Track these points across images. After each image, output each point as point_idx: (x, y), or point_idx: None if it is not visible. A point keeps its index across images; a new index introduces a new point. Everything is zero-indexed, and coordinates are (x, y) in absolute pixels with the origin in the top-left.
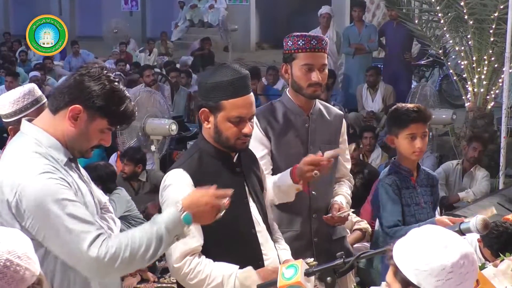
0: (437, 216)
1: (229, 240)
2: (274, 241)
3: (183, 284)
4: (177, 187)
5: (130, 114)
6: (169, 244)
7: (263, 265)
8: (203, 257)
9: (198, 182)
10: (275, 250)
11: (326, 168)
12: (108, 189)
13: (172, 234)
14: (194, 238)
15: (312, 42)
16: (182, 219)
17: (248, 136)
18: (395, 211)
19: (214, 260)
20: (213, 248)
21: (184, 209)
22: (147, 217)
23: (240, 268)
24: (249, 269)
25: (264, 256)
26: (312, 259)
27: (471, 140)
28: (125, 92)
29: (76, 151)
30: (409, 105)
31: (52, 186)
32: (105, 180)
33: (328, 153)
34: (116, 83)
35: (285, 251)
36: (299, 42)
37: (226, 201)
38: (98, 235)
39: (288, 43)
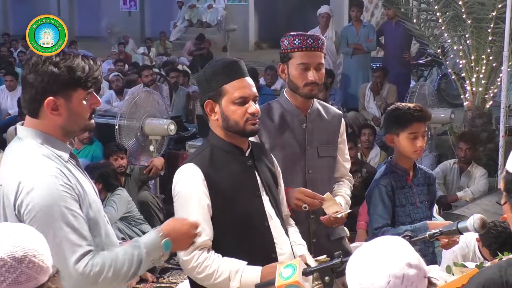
0: (435, 215)
1: (241, 232)
2: (289, 236)
3: (191, 276)
4: (188, 181)
5: (92, 67)
6: (147, 267)
7: (276, 258)
8: (212, 252)
9: (209, 176)
10: (289, 246)
11: (317, 206)
12: (110, 187)
13: (150, 258)
14: (204, 232)
15: (308, 41)
16: (162, 245)
17: (256, 116)
18: (385, 213)
19: (227, 253)
20: (226, 241)
21: (165, 235)
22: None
23: (252, 260)
24: (256, 267)
25: (278, 250)
26: (325, 255)
27: (458, 141)
28: (70, 55)
29: (78, 131)
30: (410, 104)
31: (56, 192)
32: (107, 178)
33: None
34: (55, 58)
35: (301, 246)
36: (295, 41)
37: (198, 231)
38: (88, 252)
39: (285, 43)
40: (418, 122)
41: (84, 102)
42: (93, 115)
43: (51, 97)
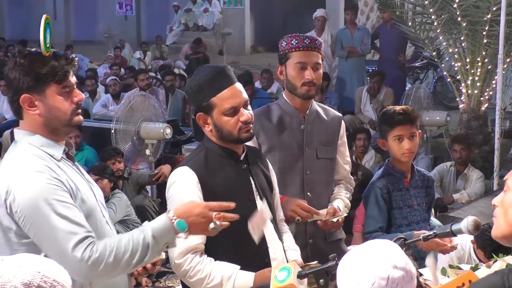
0: (432, 218)
1: (235, 236)
2: (283, 241)
3: (183, 280)
4: (182, 184)
5: (61, 62)
6: (158, 252)
7: (269, 263)
8: (205, 256)
9: (203, 179)
10: (282, 251)
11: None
12: (116, 186)
13: (161, 242)
14: (196, 235)
15: (305, 41)
16: (176, 225)
17: (249, 123)
18: (380, 216)
19: (220, 257)
20: (219, 244)
21: (177, 217)
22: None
23: (245, 264)
24: (249, 272)
25: (271, 255)
26: (316, 262)
27: (451, 143)
28: (39, 53)
29: (62, 127)
30: (396, 108)
31: (44, 186)
32: (113, 177)
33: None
34: (29, 56)
35: (294, 251)
36: (292, 42)
37: (215, 214)
38: (85, 238)
39: (283, 44)
40: (401, 125)
41: (61, 96)
42: (79, 110)
43: (25, 94)
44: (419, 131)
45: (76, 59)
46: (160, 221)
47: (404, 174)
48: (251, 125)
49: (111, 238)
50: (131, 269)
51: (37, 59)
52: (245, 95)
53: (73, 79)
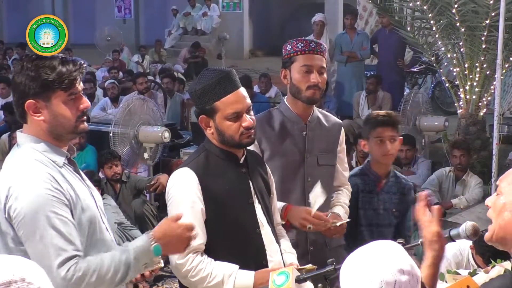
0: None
1: (233, 238)
2: (280, 244)
3: (183, 281)
4: (182, 185)
5: (69, 69)
6: (138, 271)
7: (266, 265)
8: (206, 256)
9: (203, 180)
10: (279, 254)
11: (322, 229)
12: (113, 190)
13: (140, 262)
14: (198, 236)
15: (311, 44)
16: (152, 249)
17: (251, 128)
18: None
19: (218, 258)
20: (218, 246)
21: (155, 240)
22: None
23: (243, 266)
24: (249, 271)
25: (268, 258)
26: (311, 264)
27: (451, 148)
28: (47, 58)
29: (66, 134)
30: (381, 111)
31: (44, 196)
32: (100, 184)
33: (337, 222)
34: (36, 60)
35: (290, 254)
36: (298, 45)
37: (194, 233)
38: (73, 257)
39: (287, 48)
40: (382, 127)
41: (66, 103)
42: (84, 118)
43: (30, 100)
44: (401, 137)
45: (85, 65)
46: (141, 242)
47: (379, 178)
48: (253, 131)
49: (95, 257)
50: (114, 286)
51: (45, 64)
52: (248, 101)
53: (80, 86)
